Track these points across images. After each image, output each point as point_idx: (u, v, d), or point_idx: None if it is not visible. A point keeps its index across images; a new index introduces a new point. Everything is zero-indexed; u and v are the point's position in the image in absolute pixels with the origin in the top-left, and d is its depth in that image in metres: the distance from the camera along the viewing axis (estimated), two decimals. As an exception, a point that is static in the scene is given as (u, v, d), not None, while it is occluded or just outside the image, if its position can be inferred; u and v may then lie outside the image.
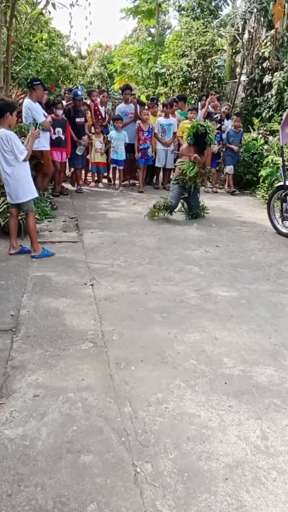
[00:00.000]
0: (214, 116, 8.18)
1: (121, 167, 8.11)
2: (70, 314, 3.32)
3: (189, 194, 6.17)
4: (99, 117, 8.32)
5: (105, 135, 8.15)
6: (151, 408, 2.31)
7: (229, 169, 8.29)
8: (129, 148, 8.02)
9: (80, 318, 3.26)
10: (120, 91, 10.47)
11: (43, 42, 12.19)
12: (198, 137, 6.03)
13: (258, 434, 2.15)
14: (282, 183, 5.59)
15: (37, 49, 10.65)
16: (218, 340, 3.03)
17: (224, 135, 8.27)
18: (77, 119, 7.40)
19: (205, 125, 6.09)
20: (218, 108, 8.69)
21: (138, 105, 8.26)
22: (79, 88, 9.16)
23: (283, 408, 2.34)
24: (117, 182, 8.31)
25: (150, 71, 16.51)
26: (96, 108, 8.33)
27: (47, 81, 11.37)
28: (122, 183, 8.31)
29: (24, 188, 4.43)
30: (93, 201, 7.05)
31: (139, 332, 3.10)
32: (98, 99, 8.41)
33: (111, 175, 8.74)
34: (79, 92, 7.53)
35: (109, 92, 10.99)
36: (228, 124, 8.40)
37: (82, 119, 7.50)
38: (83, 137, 7.54)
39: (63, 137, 7.07)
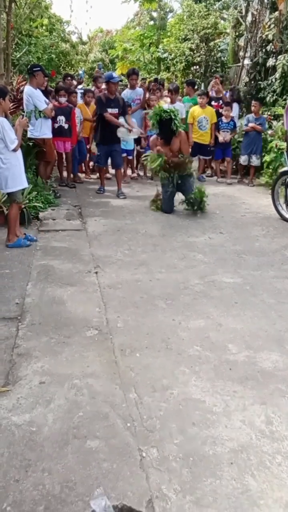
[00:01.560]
0: (227, 102, 7.77)
1: (130, 157, 7.75)
2: (75, 301, 3.33)
3: (177, 185, 5.61)
4: None
5: None
6: (156, 394, 2.32)
7: (242, 160, 7.55)
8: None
9: (85, 305, 3.27)
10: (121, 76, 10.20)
11: (44, 27, 12.02)
12: (163, 125, 5.53)
13: (262, 419, 2.16)
14: (286, 168, 5.52)
15: (37, 35, 10.51)
16: (223, 326, 3.03)
17: (241, 122, 7.66)
18: (110, 110, 6.37)
19: (169, 110, 5.56)
20: (221, 93, 8.38)
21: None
22: (81, 71, 8.81)
23: (287, 394, 2.35)
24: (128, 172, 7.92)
25: (152, 56, 16.30)
26: None
27: (48, 68, 11.24)
28: (131, 175, 7.90)
29: (14, 178, 4.34)
30: (96, 189, 7.01)
31: (143, 319, 3.11)
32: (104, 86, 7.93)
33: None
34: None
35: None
36: (235, 109, 8.04)
37: (116, 110, 6.43)
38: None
39: (66, 126, 6.67)
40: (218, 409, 2.22)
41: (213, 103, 8.03)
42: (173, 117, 5.48)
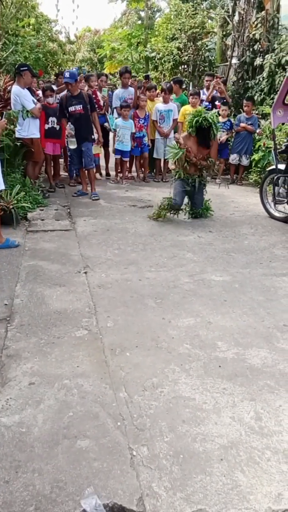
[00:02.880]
0: (224, 101, 7.66)
1: (126, 159, 7.52)
2: (64, 302, 3.32)
3: (194, 190, 5.47)
4: (97, 104, 7.59)
5: (100, 124, 7.47)
6: (146, 393, 2.32)
7: (231, 158, 7.64)
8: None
9: (74, 305, 3.26)
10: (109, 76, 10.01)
11: (31, 27, 11.95)
12: (201, 131, 5.33)
13: (252, 415, 2.18)
14: (274, 166, 5.57)
15: (24, 34, 10.43)
16: (212, 324, 3.04)
17: (234, 121, 7.60)
18: (71, 108, 6.22)
19: (210, 118, 5.29)
20: (224, 93, 8.11)
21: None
22: (75, 69, 8.48)
23: (276, 389, 2.37)
24: (122, 174, 7.69)
25: (140, 55, 16.30)
26: (94, 95, 7.54)
27: (36, 67, 11.16)
28: (126, 176, 7.70)
29: None
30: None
31: (133, 318, 3.11)
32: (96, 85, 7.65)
33: (109, 167, 8.06)
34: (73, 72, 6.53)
35: (108, 76, 9.99)
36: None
37: (79, 107, 6.23)
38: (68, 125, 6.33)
39: (57, 127, 6.60)
40: (208, 406, 2.23)
41: (216, 103, 7.92)
42: (213, 125, 5.32)
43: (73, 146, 6.37)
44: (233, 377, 2.47)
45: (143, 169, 7.87)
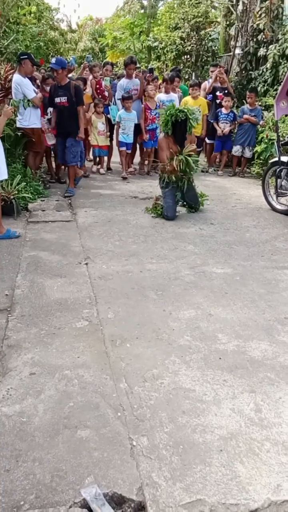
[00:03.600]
0: (226, 92, 7.48)
1: (129, 151, 7.34)
2: (65, 293, 3.31)
3: (183, 192, 5.29)
4: (101, 95, 7.42)
5: (105, 115, 7.34)
6: (146, 384, 2.33)
7: (234, 150, 7.50)
8: (135, 130, 7.21)
9: (75, 296, 3.26)
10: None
11: (32, 15, 11.80)
12: (178, 125, 5.07)
13: (252, 407, 2.19)
14: (276, 159, 5.53)
15: (25, 23, 10.30)
16: (213, 316, 3.04)
17: (238, 113, 7.46)
18: (56, 99, 5.92)
19: (185, 109, 5.12)
20: (226, 83, 7.80)
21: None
22: (72, 58, 8.20)
23: (276, 382, 2.38)
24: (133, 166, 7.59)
25: (142, 44, 16.13)
26: (98, 85, 7.42)
27: (37, 56, 11.05)
28: (129, 170, 7.48)
29: None
30: (86, 180, 6.96)
31: (134, 309, 3.11)
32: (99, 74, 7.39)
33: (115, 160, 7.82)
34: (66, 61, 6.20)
35: (113, 65, 9.30)
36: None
37: (64, 99, 5.89)
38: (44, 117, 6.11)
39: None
40: (208, 398, 2.24)
41: (217, 93, 7.71)
42: (189, 116, 5.09)
43: (51, 141, 6.18)
44: (233, 369, 2.48)
45: (146, 162, 7.65)
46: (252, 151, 7.41)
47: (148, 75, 7.76)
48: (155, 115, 7.19)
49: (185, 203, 5.47)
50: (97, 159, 7.64)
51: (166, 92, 7.45)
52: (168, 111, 5.10)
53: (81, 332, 2.81)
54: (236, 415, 2.13)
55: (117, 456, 1.88)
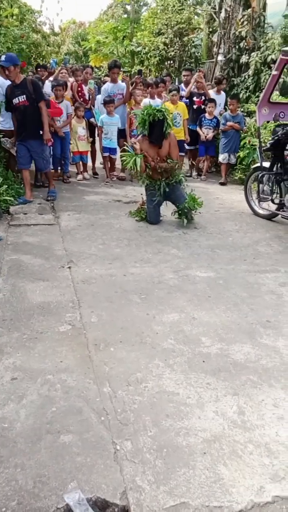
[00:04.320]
0: (210, 98, 7.40)
1: (115, 156, 7.22)
2: (48, 297, 3.28)
3: (165, 193, 5.10)
4: (82, 98, 7.30)
5: (86, 120, 7.16)
6: (130, 388, 2.32)
7: (222, 158, 7.44)
8: (119, 134, 7.10)
9: (58, 300, 3.24)
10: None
11: (14, 17, 11.72)
12: (154, 126, 4.93)
13: (235, 409, 2.20)
14: (258, 164, 5.62)
15: (7, 25, 10.22)
16: (196, 320, 3.06)
17: (221, 120, 7.39)
18: (14, 100, 5.43)
19: (162, 109, 5.00)
20: (203, 89, 7.69)
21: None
22: (52, 61, 8.08)
23: (259, 384, 2.40)
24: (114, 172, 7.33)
25: (125, 49, 16.19)
26: (79, 88, 7.29)
27: (19, 59, 10.96)
28: (113, 174, 7.33)
29: None
30: (69, 184, 6.93)
31: (117, 313, 3.10)
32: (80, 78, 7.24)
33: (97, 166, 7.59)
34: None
35: (93, 68, 9.31)
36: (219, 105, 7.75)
37: (22, 98, 5.40)
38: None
39: None
40: (192, 401, 2.25)
41: (194, 99, 7.63)
42: (166, 117, 4.95)
43: (8, 147, 5.80)
44: (216, 372, 2.49)
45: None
46: (236, 157, 7.46)
47: (136, 76, 7.71)
48: None
49: (179, 212, 5.20)
50: (81, 166, 7.28)
51: (151, 97, 7.35)
52: (146, 111, 4.97)
53: (64, 336, 2.79)
54: (220, 418, 2.14)
55: (100, 460, 1.86)
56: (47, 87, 6.99)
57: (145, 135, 5.06)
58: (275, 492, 1.76)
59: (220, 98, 7.86)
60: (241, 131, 7.37)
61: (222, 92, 7.94)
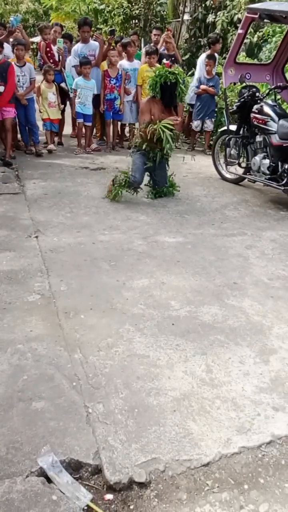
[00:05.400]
0: (172, 59, 6.46)
1: (89, 124, 6.67)
2: (15, 267, 3.23)
3: (155, 166, 4.83)
4: (51, 60, 6.70)
5: (57, 84, 6.56)
6: (101, 353, 2.35)
7: (194, 125, 6.95)
8: (94, 100, 6.61)
9: (26, 270, 3.19)
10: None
11: None
12: (167, 88, 4.63)
13: (203, 368, 2.27)
14: (225, 128, 5.58)
15: None
16: (165, 284, 3.09)
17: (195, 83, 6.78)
18: None
19: (176, 71, 4.65)
20: (173, 50, 7.08)
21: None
22: (13, 18, 6.75)
23: (226, 343, 2.48)
24: (82, 142, 6.78)
25: (88, 7, 15.40)
26: (48, 48, 6.69)
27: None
28: (92, 146, 6.88)
29: None
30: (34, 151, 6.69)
31: (87, 281, 3.09)
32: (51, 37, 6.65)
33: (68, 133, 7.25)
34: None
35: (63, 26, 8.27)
36: None
37: None
38: None
39: (1, 88, 5.63)
40: (162, 362, 2.30)
41: (164, 61, 6.66)
42: (179, 80, 4.61)
43: None
44: (185, 333, 2.55)
45: (111, 136, 7.00)
46: (214, 122, 6.97)
47: (109, 37, 7.05)
48: (114, 84, 6.61)
49: (151, 181, 5.00)
50: (51, 135, 6.69)
51: (129, 58, 6.79)
52: (158, 72, 4.65)
53: (33, 306, 2.77)
54: (189, 377, 2.21)
55: (73, 424, 1.90)
56: (6, 49, 6.27)
57: (154, 97, 4.74)
58: (241, 443, 1.85)
59: None
60: (216, 95, 6.92)
61: (216, 55, 7.01)
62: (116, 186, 4.73)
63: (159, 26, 9.17)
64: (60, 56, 6.81)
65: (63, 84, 6.80)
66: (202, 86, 6.78)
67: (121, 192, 4.74)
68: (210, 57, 6.83)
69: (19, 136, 6.67)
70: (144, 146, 4.69)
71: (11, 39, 6.45)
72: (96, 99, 6.67)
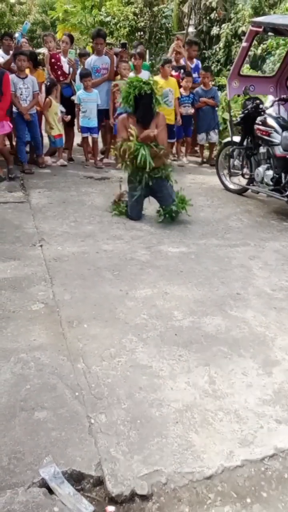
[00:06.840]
0: (186, 71, 6.50)
1: (96, 136, 6.35)
2: (19, 276, 3.24)
3: (150, 189, 4.40)
4: (59, 71, 6.33)
5: (67, 97, 6.30)
6: (104, 363, 2.35)
7: (199, 138, 6.79)
8: (103, 115, 6.30)
9: (30, 279, 3.20)
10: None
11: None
12: (140, 101, 4.19)
13: (206, 379, 2.27)
14: (229, 139, 5.62)
15: None
16: (168, 294, 3.10)
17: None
18: None
19: (150, 81, 4.28)
20: (181, 61, 6.84)
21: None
22: (18, 34, 6.40)
23: (229, 354, 2.47)
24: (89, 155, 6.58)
25: (94, 19, 15.60)
26: (54, 60, 6.30)
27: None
28: (98, 158, 6.61)
29: None
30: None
31: (90, 290, 3.10)
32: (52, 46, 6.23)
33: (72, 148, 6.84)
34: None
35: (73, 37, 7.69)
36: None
37: None
38: None
39: None
40: (164, 373, 2.30)
41: (173, 73, 6.63)
42: (155, 91, 4.20)
43: None
44: (188, 344, 2.55)
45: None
46: (218, 134, 6.83)
47: (120, 50, 6.82)
48: None
49: (164, 214, 4.47)
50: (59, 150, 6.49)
51: (137, 70, 6.33)
52: (131, 82, 4.22)
53: (36, 314, 2.78)
54: (191, 388, 2.20)
55: (75, 434, 1.90)
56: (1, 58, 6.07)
57: (130, 113, 4.33)
58: (244, 456, 1.84)
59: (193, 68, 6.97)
60: (217, 107, 6.87)
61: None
62: (118, 210, 4.59)
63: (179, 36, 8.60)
64: (71, 68, 6.48)
65: (73, 97, 6.42)
66: (202, 99, 6.65)
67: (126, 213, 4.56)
68: (206, 69, 6.73)
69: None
70: (128, 173, 4.37)
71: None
72: (106, 113, 6.38)
